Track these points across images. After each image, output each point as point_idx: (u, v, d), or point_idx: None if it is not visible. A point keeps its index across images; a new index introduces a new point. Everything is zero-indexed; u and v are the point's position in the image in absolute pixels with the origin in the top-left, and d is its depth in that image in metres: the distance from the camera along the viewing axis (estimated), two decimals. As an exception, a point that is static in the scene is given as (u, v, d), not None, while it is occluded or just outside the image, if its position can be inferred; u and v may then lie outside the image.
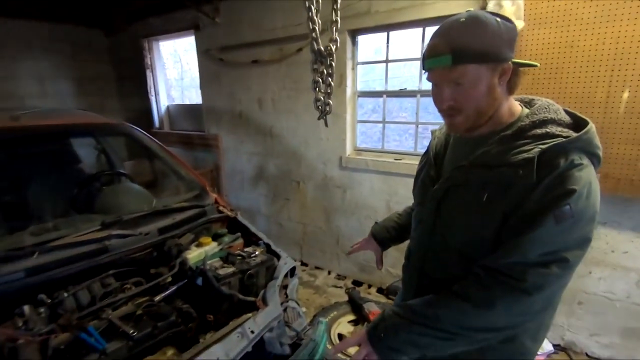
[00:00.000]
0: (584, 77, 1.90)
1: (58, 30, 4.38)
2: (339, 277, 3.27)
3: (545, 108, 0.87)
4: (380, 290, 2.98)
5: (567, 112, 0.89)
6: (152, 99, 4.51)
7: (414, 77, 2.80)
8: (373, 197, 2.91)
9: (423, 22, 2.41)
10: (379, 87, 2.94)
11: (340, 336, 2.15)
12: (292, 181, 3.43)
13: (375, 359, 0.86)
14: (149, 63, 4.41)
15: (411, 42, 2.92)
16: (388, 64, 2.75)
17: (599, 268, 2.11)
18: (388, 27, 2.61)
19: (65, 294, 1.35)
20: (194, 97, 5.95)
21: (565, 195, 0.75)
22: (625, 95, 1.81)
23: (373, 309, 2.23)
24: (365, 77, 3.69)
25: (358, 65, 2.89)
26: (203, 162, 4.02)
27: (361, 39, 2.84)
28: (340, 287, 3.08)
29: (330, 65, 1.24)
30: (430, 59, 0.85)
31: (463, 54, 0.80)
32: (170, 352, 1.38)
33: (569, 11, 1.87)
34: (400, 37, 2.77)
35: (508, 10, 1.93)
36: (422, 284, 1.04)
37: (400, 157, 2.72)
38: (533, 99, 0.95)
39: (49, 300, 1.33)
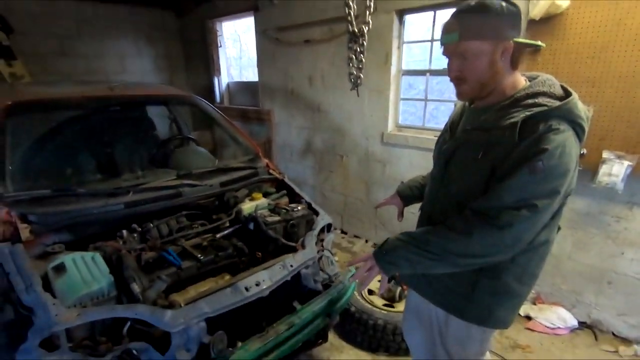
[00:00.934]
0: (629, 55, 1.88)
1: (136, 13, 4.92)
2: (375, 245, 3.49)
3: (542, 82, 1.02)
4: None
5: (563, 87, 1.02)
6: (215, 76, 4.95)
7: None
8: (411, 172, 3.06)
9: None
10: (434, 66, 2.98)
11: (370, 291, 2.41)
12: (336, 155, 3.67)
13: (377, 269, 1.11)
14: (213, 43, 4.82)
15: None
16: (433, 43, 2.83)
17: (633, 249, 2.12)
18: (435, 7, 2.68)
19: (151, 225, 1.75)
20: (250, 75, 6.35)
21: (539, 152, 0.91)
22: (672, 75, 1.78)
23: (401, 271, 2.44)
24: (422, 56, 3.73)
25: (404, 44, 3.00)
26: (257, 134, 4.39)
27: (410, 18, 2.93)
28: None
29: (362, 44, 1.44)
30: (443, 36, 1.04)
31: (467, 32, 0.97)
32: (227, 277, 1.74)
33: (618, -12, 1.85)
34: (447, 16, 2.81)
35: (554, -11, 1.95)
36: None
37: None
38: (538, 75, 1.08)
39: (139, 229, 1.74)
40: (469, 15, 0.98)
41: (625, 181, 1.97)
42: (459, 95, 1.10)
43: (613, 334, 2.28)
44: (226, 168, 2.19)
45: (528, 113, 0.95)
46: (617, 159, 1.99)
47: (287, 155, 4.24)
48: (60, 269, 1.34)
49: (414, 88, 4.34)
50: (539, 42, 1.05)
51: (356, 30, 1.41)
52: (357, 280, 1.20)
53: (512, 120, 0.96)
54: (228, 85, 5.09)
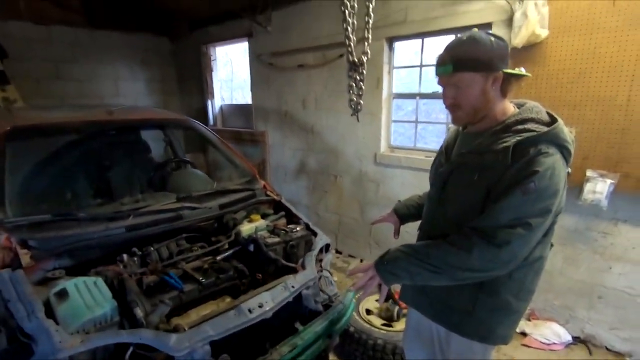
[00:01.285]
0: (605, 81, 2.02)
1: (131, 38, 5.02)
2: (370, 265, 3.52)
3: (530, 109, 1.10)
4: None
5: (549, 114, 1.11)
6: (208, 99, 5.03)
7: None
8: (404, 191, 3.13)
9: (455, 30, 2.61)
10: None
11: (369, 311, 2.42)
12: (330, 175, 3.73)
13: (377, 279, 1.14)
14: (207, 67, 4.93)
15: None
16: (422, 68, 2.96)
17: (620, 264, 2.20)
18: (422, 35, 2.83)
19: (152, 248, 1.76)
20: (240, 97, 6.46)
21: (531, 174, 0.98)
22: (646, 98, 1.92)
23: (398, 289, 2.46)
24: (407, 79, 3.90)
25: (394, 69, 3.13)
26: (251, 156, 4.44)
27: (399, 44, 3.08)
28: (371, 273, 3.33)
29: (362, 72, 1.53)
30: (438, 68, 1.13)
31: (460, 64, 1.06)
32: (227, 299, 1.74)
33: (592, 20, 2.00)
34: (435, 43, 2.97)
35: (533, 20, 2.10)
36: None
37: (431, 155, 2.93)
38: (525, 103, 1.17)
39: (140, 252, 1.74)
40: (462, 49, 1.07)
41: (609, 198, 2.07)
42: (455, 120, 1.18)
43: (606, 348, 2.33)
44: (224, 190, 2.22)
45: (519, 138, 1.02)
46: (600, 177, 2.09)
47: (281, 176, 4.28)
48: (63, 294, 1.33)
49: (402, 109, 4.50)
50: (526, 73, 1.13)
51: (356, 60, 1.50)
52: (356, 290, 1.23)
53: (505, 144, 1.03)
54: (221, 107, 5.17)
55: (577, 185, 2.14)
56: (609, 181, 2.06)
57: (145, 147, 2.98)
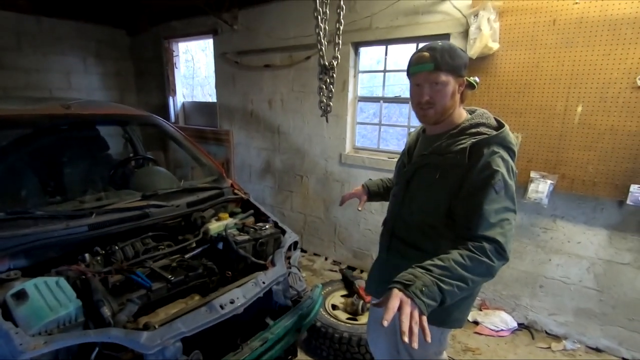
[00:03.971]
0: (546, 92, 2.25)
1: (85, 29, 4.75)
2: (335, 262, 3.62)
3: (481, 115, 1.24)
4: (371, 275, 3.32)
5: (496, 119, 1.24)
6: (170, 96, 4.87)
7: (407, 86, 3.16)
8: (368, 191, 3.26)
9: (416, 39, 2.77)
10: (381, 94, 3.30)
11: (334, 306, 2.49)
12: (295, 175, 3.78)
13: (417, 313, 0.95)
14: (169, 62, 4.78)
15: (406, 56, 3.29)
16: (386, 73, 3.11)
17: (557, 256, 2.45)
18: (387, 42, 2.98)
19: (116, 247, 1.71)
20: (201, 95, 6.31)
21: (495, 173, 1.10)
22: (579, 109, 2.17)
23: (362, 285, 2.57)
24: (369, 83, 4.06)
25: (359, 74, 3.25)
26: (215, 155, 4.37)
27: (364, 50, 3.20)
28: (336, 270, 3.43)
29: (332, 76, 1.61)
30: (418, 65, 1.20)
31: (440, 64, 1.15)
32: (196, 297, 1.73)
33: (535, 37, 2.23)
34: (398, 51, 3.13)
35: (486, 34, 2.29)
36: (392, 242, 1.40)
37: (393, 156, 3.07)
38: (475, 109, 1.30)
39: (103, 252, 1.69)
40: (442, 52, 1.16)
41: (549, 197, 2.31)
42: (424, 118, 1.26)
43: (546, 332, 2.58)
44: (192, 188, 2.20)
45: (474, 140, 1.15)
46: (541, 178, 2.33)
47: (245, 176, 4.26)
48: (22, 295, 1.27)
49: (365, 112, 4.66)
50: (476, 82, 1.26)
51: (327, 64, 1.58)
52: (324, 296, 1.18)
53: (462, 146, 1.15)
54: (183, 105, 5.03)
55: (522, 185, 2.36)
56: (549, 182, 2.30)
57: (103, 143, 2.86)
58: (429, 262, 1.06)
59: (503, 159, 1.13)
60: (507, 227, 1.11)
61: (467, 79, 1.22)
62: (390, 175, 1.65)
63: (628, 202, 2.09)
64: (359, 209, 1.67)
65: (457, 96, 1.22)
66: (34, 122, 2.02)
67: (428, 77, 1.18)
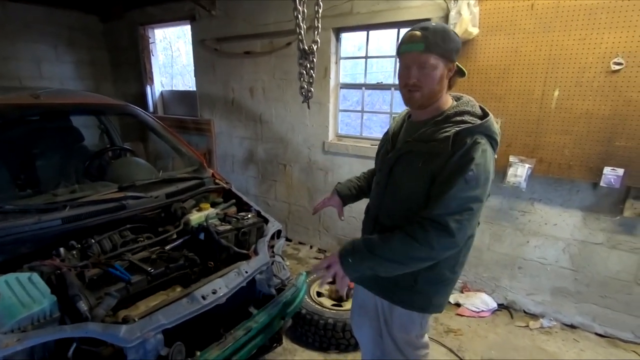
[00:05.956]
0: (524, 77, 2.28)
1: (55, 14, 4.53)
2: (320, 250, 3.63)
3: (466, 103, 1.23)
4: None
5: (481, 107, 1.24)
6: (147, 84, 4.73)
7: (389, 72, 3.15)
8: (351, 178, 3.27)
9: (398, 24, 2.75)
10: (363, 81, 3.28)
11: (319, 294, 2.51)
12: (279, 164, 3.75)
13: (341, 274, 1.21)
14: (145, 49, 4.62)
15: (388, 42, 3.28)
16: (367, 59, 3.08)
17: (535, 238, 2.52)
18: (368, 27, 2.94)
19: (92, 240, 1.66)
20: (180, 84, 6.15)
21: (469, 162, 1.10)
22: (556, 93, 2.20)
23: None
24: (352, 71, 4.02)
25: (341, 60, 3.22)
26: (196, 145, 4.29)
27: (345, 36, 3.16)
28: (321, 258, 3.44)
29: (312, 61, 1.58)
30: (408, 44, 1.17)
31: (432, 46, 1.13)
32: (178, 289, 1.71)
33: (514, 21, 2.24)
34: (379, 37, 3.10)
35: (466, 18, 2.29)
36: (376, 229, 1.39)
37: (377, 144, 3.06)
38: (461, 96, 1.28)
39: (79, 245, 1.64)
40: (434, 34, 1.13)
41: (527, 181, 2.36)
42: (410, 101, 1.24)
43: (524, 311, 2.67)
44: (171, 179, 2.15)
45: (457, 128, 1.13)
46: (520, 162, 2.37)
47: (228, 166, 4.20)
48: (-8, 292, 1.22)
49: (347, 99, 4.63)
50: (464, 70, 1.24)
51: (306, 48, 1.54)
52: (308, 284, 1.26)
53: (446, 134, 1.14)
54: (162, 94, 4.89)
55: (501, 170, 2.40)
56: (527, 166, 2.34)
57: (77, 134, 2.76)
58: (372, 236, 1.23)
59: (483, 150, 1.12)
60: (465, 215, 1.12)
61: (457, 65, 1.20)
62: (372, 164, 1.63)
63: (601, 184, 2.15)
64: (342, 219, 1.68)
65: (445, 82, 1.19)
66: (1, 112, 1.92)
67: (417, 58, 1.15)
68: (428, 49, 1.13)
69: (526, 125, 2.33)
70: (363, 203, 1.58)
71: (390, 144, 1.38)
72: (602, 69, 2.06)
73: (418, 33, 1.14)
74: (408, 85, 1.19)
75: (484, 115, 1.20)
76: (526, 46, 2.24)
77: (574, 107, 2.17)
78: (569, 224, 2.39)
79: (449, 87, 1.24)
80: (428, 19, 2.58)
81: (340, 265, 1.21)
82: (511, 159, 2.39)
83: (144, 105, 4.77)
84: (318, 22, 1.54)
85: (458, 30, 2.33)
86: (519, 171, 2.37)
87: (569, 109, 2.19)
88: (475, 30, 2.32)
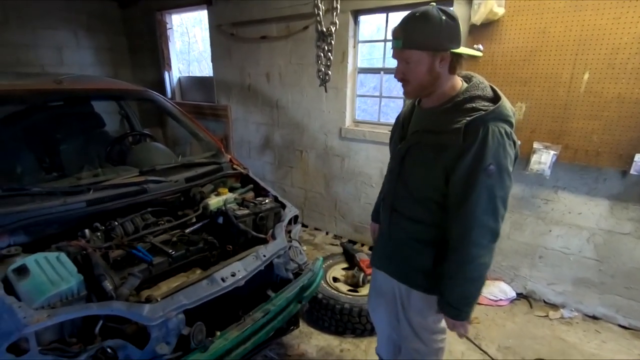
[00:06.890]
0: (552, 59, 2.18)
1: (74, 2, 4.57)
2: (336, 237, 3.64)
3: (476, 86, 1.16)
4: (371, 249, 3.34)
5: (492, 88, 1.18)
6: (165, 70, 4.76)
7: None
8: (368, 165, 3.23)
9: (418, 5, 2.65)
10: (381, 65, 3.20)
11: (335, 279, 2.53)
12: (295, 150, 3.74)
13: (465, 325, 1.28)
14: (162, 35, 4.63)
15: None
16: (386, 43, 3.00)
17: (558, 227, 2.45)
18: (387, 9, 2.85)
19: (116, 223, 1.70)
20: (197, 70, 6.16)
21: (486, 156, 1.06)
22: (586, 76, 2.10)
23: (363, 258, 2.59)
24: (369, 55, 3.93)
25: (359, 44, 3.14)
26: (213, 131, 4.30)
27: (363, 19, 3.08)
28: (337, 244, 3.45)
29: (330, 43, 1.54)
30: (392, 41, 1.15)
31: (409, 42, 1.09)
32: (198, 271, 1.75)
33: (542, 1, 2.13)
34: (399, 19, 3.01)
35: (491, -2, 2.19)
36: (392, 215, 1.37)
37: (394, 129, 3.02)
38: (472, 77, 1.22)
39: (103, 227, 1.68)
40: (412, 25, 1.09)
41: (551, 168, 2.28)
42: (405, 94, 1.23)
43: (544, 301, 2.62)
44: (190, 164, 2.18)
45: (469, 118, 1.08)
46: (544, 149, 2.29)
47: (245, 152, 4.22)
48: (23, 270, 1.27)
49: (364, 85, 4.54)
50: (476, 53, 1.19)
51: (324, 29, 1.50)
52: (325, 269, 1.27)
53: (457, 125, 1.09)
54: (179, 80, 4.92)
55: (524, 156, 2.33)
56: (552, 152, 2.26)
57: (99, 120, 2.81)
58: (450, 281, 1.24)
59: (497, 136, 1.07)
60: (500, 207, 1.12)
61: (454, 52, 1.11)
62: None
63: (632, 171, 2.06)
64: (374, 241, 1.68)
65: (439, 71, 1.13)
66: (25, 97, 1.96)
67: (400, 54, 1.13)
68: (407, 45, 1.10)
69: (552, 110, 2.24)
70: (378, 189, 1.56)
71: (400, 131, 1.35)
72: (638, 50, 1.95)
73: (398, 29, 1.12)
74: (398, 80, 1.20)
75: (496, 98, 1.14)
76: (555, 26, 2.13)
77: (604, 90, 2.07)
78: (594, 213, 2.31)
79: (452, 72, 1.16)
80: (450, 0, 2.48)
81: (467, 320, 1.27)
82: (535, 145, 2.31)
83: (162, 91, 4.81)
84: (337, 2, 1.49)
85: (482, 11, 2.24)
86: (543, 158, 2.29)
87: (599, 93, 2.09)
88: (501, 11, 2.22)
